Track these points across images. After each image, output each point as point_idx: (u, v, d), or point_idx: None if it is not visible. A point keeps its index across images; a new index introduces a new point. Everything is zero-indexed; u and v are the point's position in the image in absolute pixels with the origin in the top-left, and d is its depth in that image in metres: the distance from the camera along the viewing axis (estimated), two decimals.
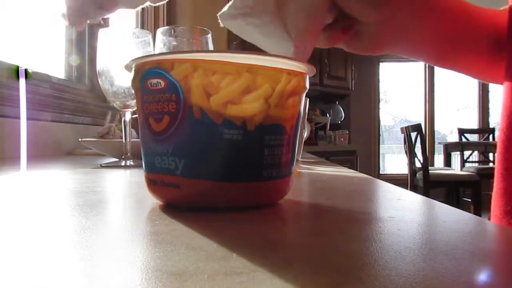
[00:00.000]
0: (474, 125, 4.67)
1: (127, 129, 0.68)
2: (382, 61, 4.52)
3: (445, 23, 0.43)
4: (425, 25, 0.42)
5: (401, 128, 3.46)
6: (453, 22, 0.43)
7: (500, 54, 0.45)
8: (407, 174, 3.47)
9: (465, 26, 0.44)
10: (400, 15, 0.40)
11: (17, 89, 0.31)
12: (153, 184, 0.29)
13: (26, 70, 0.32)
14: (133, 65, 0.29)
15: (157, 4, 0.41)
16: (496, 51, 0.45)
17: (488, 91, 4.61)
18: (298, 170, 0.60)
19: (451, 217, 0.26)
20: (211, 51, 0.28)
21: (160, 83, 0.27)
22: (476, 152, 4.24)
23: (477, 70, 0.50)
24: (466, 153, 4.16)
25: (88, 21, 0.38)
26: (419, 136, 3.22)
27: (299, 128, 0.30)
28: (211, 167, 0.26)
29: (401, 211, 0.28)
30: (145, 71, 0.28)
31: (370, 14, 0.39)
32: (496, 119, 4.55)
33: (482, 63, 0.47)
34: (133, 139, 0.71)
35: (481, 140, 4.19)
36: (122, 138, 0.71)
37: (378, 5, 0.39)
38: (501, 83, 0.44)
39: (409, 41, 0.44)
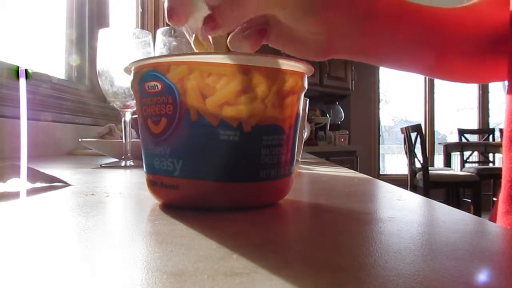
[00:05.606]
0: (474, 125, 4.67)
1: (127, 129, 0.68)
2: None
3: (393, 28, 0.41)
4: (367, 32, 0.40)
5: (401, 129, 3.46)
6: (407, 26, 0.42)
7: (489, 55, 0.45)
8: (407, 175, 3.47)
9: (430, 29, 0.43)
10: (339, 22, 0.38)
11: (17, 89, 0.30)
12: (153, 185, 0.29)
13: (26, 70, 0.32)
14: (132, 68, 0.29)
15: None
16: (482, 51, 0.45)
17: (488, 92, 4.60)
18: (298, 171, 0.60)
19: (451, 218, 0.26)
20: (207, 53, 0.28)
21: (157, 85, 0.27)
22: (476, 153, 4.24)
23: (457, 73, 0.49)
24: (466, 153, 4.16)
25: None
26: (419, 136, 3.22)
27: (299, 128, 0.30)
28: (209, 168, 0.26)
29: (401, 212, 0.28)
30: (143, 74, 0.28)
31: (307, 23, 0.37)
32: (496, 120, 4.55)
33: (461, 64, 0.47)
34: (133, 139, 0.71)
35: (481, 141, 4.19)
36: (122, 138, 0.71)
37: (314, 14, 0.37)
38: (483, 82, 0.45)
39: (356, 49, 0.42)
